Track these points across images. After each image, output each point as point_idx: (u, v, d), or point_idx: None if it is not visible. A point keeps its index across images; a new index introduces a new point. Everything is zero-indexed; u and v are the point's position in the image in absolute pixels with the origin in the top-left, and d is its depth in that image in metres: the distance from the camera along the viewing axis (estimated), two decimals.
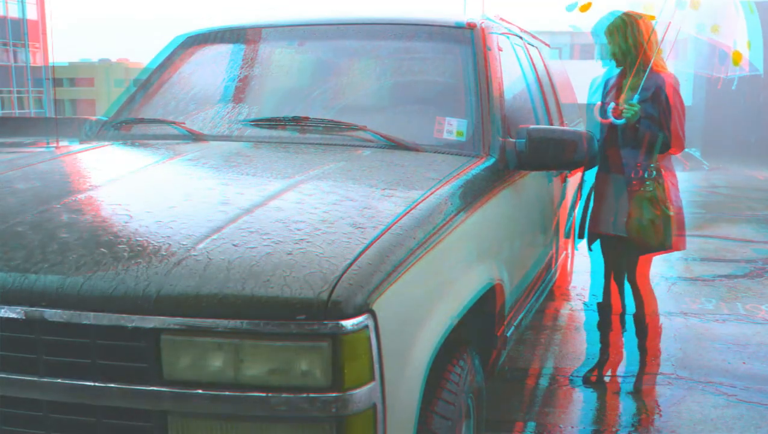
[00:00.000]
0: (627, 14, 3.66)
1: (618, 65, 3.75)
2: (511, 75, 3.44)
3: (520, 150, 2.78)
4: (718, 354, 4.26)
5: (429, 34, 3.25)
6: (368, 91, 3.20)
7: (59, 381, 1.74)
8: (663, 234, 3.61)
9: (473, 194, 2.46)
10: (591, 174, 3.92)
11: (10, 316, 1.75)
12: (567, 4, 3.95)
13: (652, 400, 3.70)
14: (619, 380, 3.92)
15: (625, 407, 3.65)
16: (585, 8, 3.86)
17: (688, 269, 6.43)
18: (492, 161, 2.74)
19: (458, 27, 3.20)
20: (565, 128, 2.90)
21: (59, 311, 1.73)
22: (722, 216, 9.30)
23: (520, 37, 3.99)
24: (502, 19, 3.38)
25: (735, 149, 17.16)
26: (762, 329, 4.72)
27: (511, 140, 2.83)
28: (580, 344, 4.44)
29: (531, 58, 4.06)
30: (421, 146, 2.78)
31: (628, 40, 3.62)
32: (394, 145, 2.78)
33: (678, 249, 3.72)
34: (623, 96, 3.61)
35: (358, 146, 2.78)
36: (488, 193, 2.59)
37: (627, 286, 3.95)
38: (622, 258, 3.85)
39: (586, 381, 3.86)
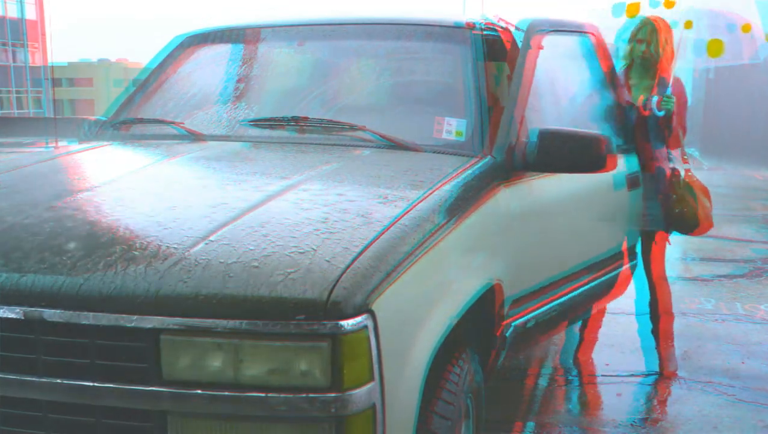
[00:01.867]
0: (656, 19, 3.75)
1: (636, 67, 3.84)
2: (551, 75, 3.37)
3: (529, 151, 2.70)
4: (718, 353, 4.26)
5: (428, 35, 3.25)
6: (367, 91, 3.19)
7: (58, 381, 1.74)
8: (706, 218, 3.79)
9: (472, 194, 2.45)
10: None
11: (9, 316, 1.76)
12: (613, 5, 3.96)
13: (651, 400, 3.70)
14: (619, 380, 3.92)
15: (625, 406, 3.65)
16: (634, 10, 3.84)
17: (687, 269, 6.43)
18: (493, 161, 2.72)
19: (457, 27, 3.19)
20: (579, 129, 2.82)
21: (58, 311, 1.73)
22: (721, 216, 9.28)
23: (586, 34, 3.76)
24: (501, 19, 3.36)
25: (734, 148, 17.15)
26: (761, 328, 4.72)
27: (522, 140, 2.77)
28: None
29: (594, 57, 3.96)
30: (421, 146, 2.77)
31: (660, 44, 3.73)
32: (394, 145, 2.77)
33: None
34: (642, 97, 3.74)
35: (357, 146, 2.77)
36: (488, 193, 2.57)
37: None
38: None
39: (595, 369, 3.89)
